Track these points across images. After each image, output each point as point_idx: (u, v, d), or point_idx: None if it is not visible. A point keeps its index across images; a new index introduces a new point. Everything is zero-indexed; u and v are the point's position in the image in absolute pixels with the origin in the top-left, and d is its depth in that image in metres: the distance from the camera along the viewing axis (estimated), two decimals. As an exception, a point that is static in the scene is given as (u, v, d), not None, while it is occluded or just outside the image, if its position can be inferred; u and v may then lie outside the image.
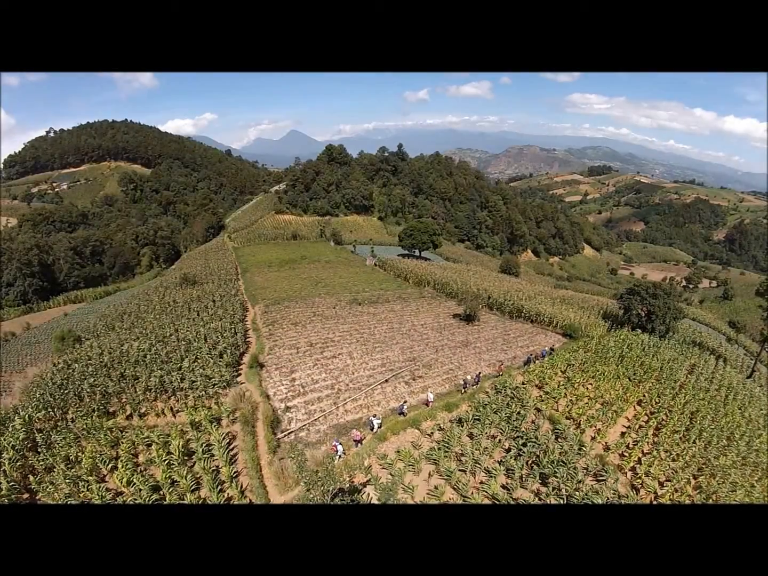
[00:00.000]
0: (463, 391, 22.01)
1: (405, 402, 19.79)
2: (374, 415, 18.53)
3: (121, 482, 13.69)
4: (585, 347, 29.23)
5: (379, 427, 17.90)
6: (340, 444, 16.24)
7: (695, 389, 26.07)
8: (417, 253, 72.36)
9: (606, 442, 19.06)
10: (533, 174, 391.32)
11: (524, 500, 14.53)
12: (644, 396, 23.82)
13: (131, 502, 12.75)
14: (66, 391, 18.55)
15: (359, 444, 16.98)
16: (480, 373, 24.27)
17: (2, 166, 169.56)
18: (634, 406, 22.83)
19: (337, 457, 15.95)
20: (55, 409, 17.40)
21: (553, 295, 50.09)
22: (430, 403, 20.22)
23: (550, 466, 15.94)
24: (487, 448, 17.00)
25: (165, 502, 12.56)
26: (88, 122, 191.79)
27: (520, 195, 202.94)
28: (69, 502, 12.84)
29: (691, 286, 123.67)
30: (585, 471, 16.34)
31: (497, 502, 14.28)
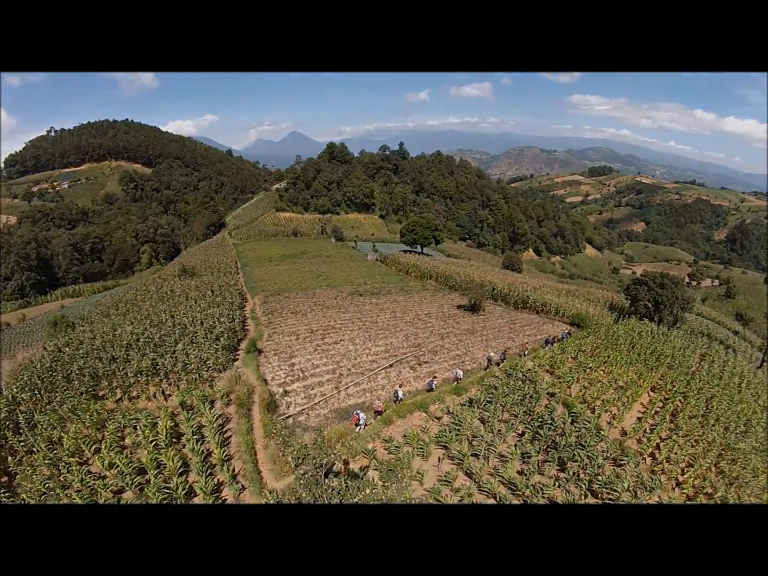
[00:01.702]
0: (486, 369, 21.53)
1: (434, 378, 19.21)
2: (400, 385, 18.22)
3: (104, 465, 12.76)
4: (595, 334, 28.33)
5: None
6: (363, 413, 15.77)
7: (709, 376, 25.15)
8: (419, 249, 71.69)
9: (623, 427, 18.11)
10: (534, 175, 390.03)
11: (542, 485, 13.57)
12: (658, 382, 22.89)
13: (124, 503, 11.82)
14: (54, 374, 17.65)
15: (380, 415, 16.55)
16: (506, 350, 23.61)
17: (3, 165, 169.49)
18: (648, 392, 21.88)
19: (362, 426, 15.62)
20: (42, 391, 16.47)
21: (558, 288, 49.19)
22: (459, 380, 19.78)
23: (567, 450, 14.97)
24: (500, 431, 16.06)
25: (160, 503, 11.65)
26: (89, 122, 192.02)
27: (521, 195, 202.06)
28: (48, 486, 11.94)
29: (693, 283, 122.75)
30: (604, 456, 15.39)
31: (510, 495, 13.40)
